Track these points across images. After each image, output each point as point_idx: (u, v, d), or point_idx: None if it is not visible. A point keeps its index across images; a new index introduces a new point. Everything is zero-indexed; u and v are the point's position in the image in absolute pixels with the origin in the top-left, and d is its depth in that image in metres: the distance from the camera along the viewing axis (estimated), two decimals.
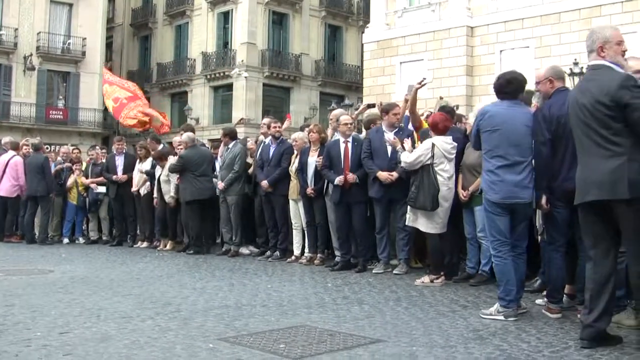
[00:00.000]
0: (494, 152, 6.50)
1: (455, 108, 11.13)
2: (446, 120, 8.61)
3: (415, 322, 6.14)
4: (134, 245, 14.37)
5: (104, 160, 15.34)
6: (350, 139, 10.05)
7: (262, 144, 12.06)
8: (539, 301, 6.95)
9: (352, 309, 6.84)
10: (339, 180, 9.77)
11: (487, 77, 29.79)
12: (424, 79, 9.77)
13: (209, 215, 13.07)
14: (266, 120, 12.42)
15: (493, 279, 8.04)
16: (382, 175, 9.34)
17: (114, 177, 14.47)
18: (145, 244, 14.02)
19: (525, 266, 6.64)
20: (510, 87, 6.64)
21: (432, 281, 8.35)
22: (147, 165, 13.74)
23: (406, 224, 8.81)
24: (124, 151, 15.07)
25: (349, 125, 10.15)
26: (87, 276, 9.53)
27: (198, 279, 9.18)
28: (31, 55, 41.32)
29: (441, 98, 12.23)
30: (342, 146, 10.04)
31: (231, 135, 12.72)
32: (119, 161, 14.69)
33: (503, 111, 6.52)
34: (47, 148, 18.22)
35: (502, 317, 6.25)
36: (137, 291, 8.14)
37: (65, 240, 15.43)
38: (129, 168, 14.54)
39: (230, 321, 6.22)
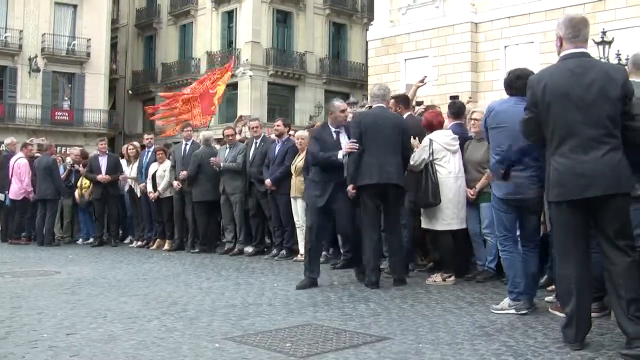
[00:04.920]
0: (499, 149, 6.51)
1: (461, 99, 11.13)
2: (438, 115, 8.84)
3: (421, 319, 6.14)
4: (130, 245, 14.62)
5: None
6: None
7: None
8: (548, 298, 6.89)
9: (358, 307, 6.84)
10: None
11: (492, 73, 29.79)
12: (425, 77, 9.75)
13: (215, 215, 13.11)
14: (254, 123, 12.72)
15: (499, 276, 8.05)
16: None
17: (99, 177, 14.61)
18: (167, 245, 13.77)
19: (537, 261, 6.60)
20: (518, 82, 6.60)
21: (444, 280, 8.32)
22: (165, 166, 13.67)
23: (422, 226, 8.80)
24: (107, 152, 15.24)
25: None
26: (94, 277, 9.55)
27: (204, 279, 9.19)
28: (36, 56, 41.40)
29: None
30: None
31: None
32: (103, 162, 14.82)
33: (509, 109, 6.46)
34: (56, 149, 18.26)
35: (513, 311, 6.29)
36: (143, 291, 8.16)
37: (79, 241, 15.64)
38: (112, 169, 14.72)
39: (237, 320, 6.23)
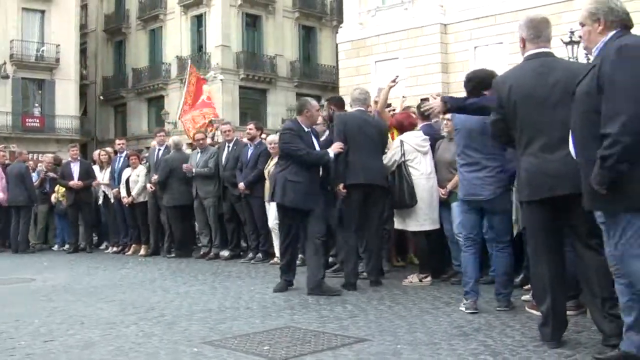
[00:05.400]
0: (457, 150, 6.73)
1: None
2: (409, 117, 8.94)
3: (399, 320, 6.17)
4: (106, 251, 14.55)
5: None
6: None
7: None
8: (525, 297, 6.94)
9: (336, 309, 6.85)
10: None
11: (462, 74, 29.56)
12: (397, 76, 9.74)
13: (190, 219, 13.10)
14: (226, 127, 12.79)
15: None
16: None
17: (70, 183, 14.53)
18: (143, 251, 13.66)
19: (510, 259, 6.63)
20: (468, 85, 6.67)
21: (420, 280, 8.35)
22: (138, 171, 13.57)
23: (395, 227, 8.84)
24: (79, 158, 15.20)
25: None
26: (70, 284, 9.51)
27: (181, 284, 9.17)
28: (5, 63, 40.93)
29: (404, 97, 12.11)
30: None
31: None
32: (75, 168, 14.76)
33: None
34: (29, 156, 18.08)
35: (463, 309, 6.47)
36: (120, 297, 8.13)
37: (55, 247, 15.58)
38: (84, 175, 14.65)
39: (214, 324, 6.23)
